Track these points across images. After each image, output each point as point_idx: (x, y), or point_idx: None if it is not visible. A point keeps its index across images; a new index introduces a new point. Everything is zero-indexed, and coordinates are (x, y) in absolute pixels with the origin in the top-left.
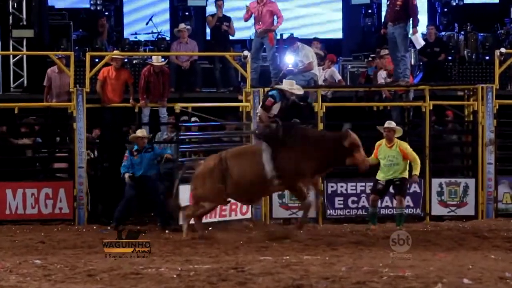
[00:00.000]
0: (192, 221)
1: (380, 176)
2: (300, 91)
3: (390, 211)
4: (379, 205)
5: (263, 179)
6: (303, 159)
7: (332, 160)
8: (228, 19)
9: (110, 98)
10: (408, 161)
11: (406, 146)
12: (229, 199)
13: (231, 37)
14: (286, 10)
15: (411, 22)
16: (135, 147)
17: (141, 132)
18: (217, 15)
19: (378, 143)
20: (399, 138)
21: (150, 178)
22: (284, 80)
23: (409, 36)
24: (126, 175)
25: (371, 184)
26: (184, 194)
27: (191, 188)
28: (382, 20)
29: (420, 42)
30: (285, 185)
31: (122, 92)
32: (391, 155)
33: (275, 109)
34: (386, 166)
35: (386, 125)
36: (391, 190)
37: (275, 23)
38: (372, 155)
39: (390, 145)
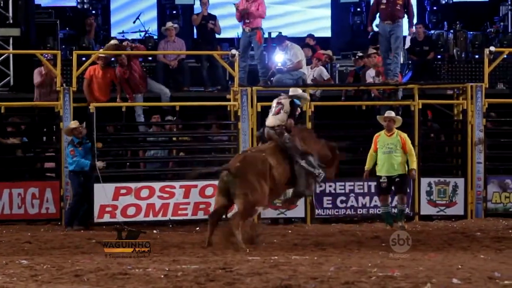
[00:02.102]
0: None
1: (382, 171)
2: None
3: (378, 210)
4: (390, 203)
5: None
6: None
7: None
8: (213, 18)
9: (96, 97)
10: (406, 157)
11: (406, 136)
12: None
13: (218, 36)
14: (274, 9)
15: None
16: (75, 140)
17: (75, 123)
18: (202, 14)
19: (376, 134)
20: None
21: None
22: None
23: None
24: (100, 163)
25: (360, 184)
26: (104, 193)
27: (239, 195)
28: (372, 18)
29: (407, 42)
30: None
31: (109, 91)
32: (390, 142)
33: (285, 104)
34: (385, 153)
35: (386, 114)
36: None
37: (262, 20)
38: (371, 150)
39: (390, 134)
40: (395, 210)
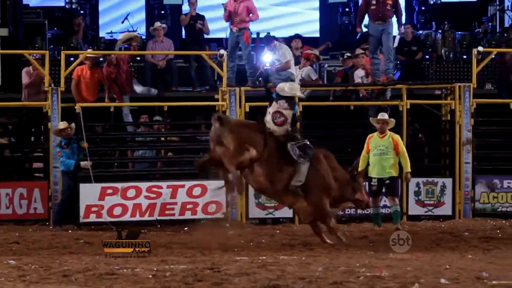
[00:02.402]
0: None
1: (373, 172)
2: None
3: (367, 211)
4: (380, 204)
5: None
6: (328, 185)
7: (344, 194)
8: (202, 18)
9: (84, 97)
10: (398, 158)
11: (398, 138)
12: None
13: (207, 36)
14: (262, 9)
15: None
16: (63, 141)
17: (64, 124)
18: (190, 14)
19: (369, 135)
20: None
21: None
22: (287, 85)
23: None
24: (87, 163)
25: None
26: (88, 192)
27: (232, 137)
28: (360, 19)
29: (396, 42)
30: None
31: (97, 91)
32: (382, 144)
33: (289, 117)
34: (376, 155)
35: (379, 117)
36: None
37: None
38: (363, 151)
39: (382, 136)
40: (389, 211)
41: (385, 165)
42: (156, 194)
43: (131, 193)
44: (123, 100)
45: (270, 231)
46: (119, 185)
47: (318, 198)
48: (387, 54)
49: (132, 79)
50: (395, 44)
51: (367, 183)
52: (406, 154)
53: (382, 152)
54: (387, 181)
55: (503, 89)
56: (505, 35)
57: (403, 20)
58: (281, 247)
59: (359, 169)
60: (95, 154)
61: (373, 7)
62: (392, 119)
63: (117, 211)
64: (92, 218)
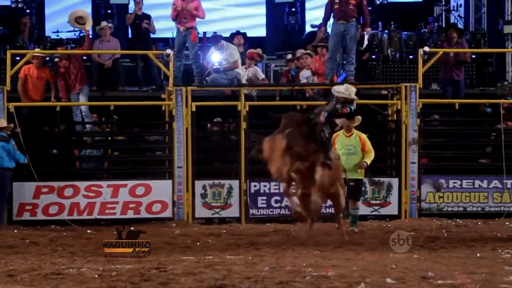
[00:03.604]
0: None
1: None
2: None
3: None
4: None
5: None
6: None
7: None
8: (147, 17)
9: (31, 96)
10: (363, 155)
11: (365, 137)
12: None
13: (153, 35)
14: (209, 9)
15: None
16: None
17: (4, 122)
18: (135, 13)
19: (335, 134)
20: None
21: None
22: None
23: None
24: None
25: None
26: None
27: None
28: (326, 18)
29: (365, 42)
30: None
31: (44, 91)
32: (350, 144)
33: None
34: (344, 155)
35: None
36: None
37: (197, 20)
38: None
39: (349, 135)
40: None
41: (352, 165)
42: (95, 193)
43: (68, 192)
44: (74, 98)
45: (216, 230)
46: (55, 184)
47: None
48: (348, 56)
49: (84, 84)
50: (364, 45)
51: None
52: (373, 153)
53: (350, 152)
54: (352, 183)
55: (448, 87)
56: (443, 34)
57: None
58: (227, 246)
59: None
60: (41, 153)
61: (336, 6)
62: (359, 117)
63: (53, 209)
64: (26, 216)
